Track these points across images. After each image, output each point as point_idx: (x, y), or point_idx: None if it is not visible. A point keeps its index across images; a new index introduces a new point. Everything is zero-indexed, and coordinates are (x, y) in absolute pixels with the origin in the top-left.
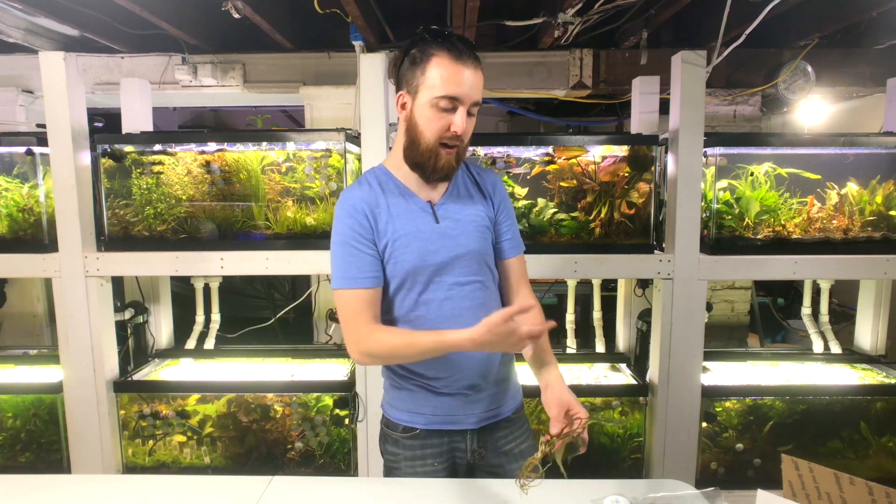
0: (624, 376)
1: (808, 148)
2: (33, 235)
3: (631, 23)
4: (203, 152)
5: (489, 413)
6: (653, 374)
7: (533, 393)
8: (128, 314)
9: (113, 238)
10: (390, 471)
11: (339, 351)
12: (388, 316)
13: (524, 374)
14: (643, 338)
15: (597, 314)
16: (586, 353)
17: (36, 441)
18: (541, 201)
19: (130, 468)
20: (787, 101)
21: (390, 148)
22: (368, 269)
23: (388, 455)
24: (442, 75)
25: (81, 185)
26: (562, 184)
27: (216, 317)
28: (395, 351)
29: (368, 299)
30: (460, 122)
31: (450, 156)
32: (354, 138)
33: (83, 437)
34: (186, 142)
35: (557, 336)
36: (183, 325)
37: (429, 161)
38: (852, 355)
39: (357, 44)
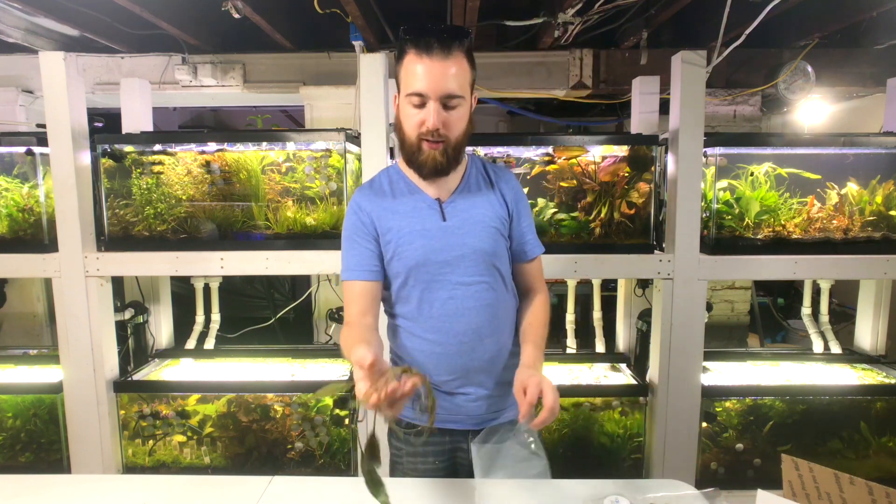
0: (624, 376)
1: (808, 148)
2: (33, 235)
3: (631, 23)
4: (203, 152)
5: (491, 414)
6: (653, 374)
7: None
8: (128, 314)
9: (113, 238)
10: (394, 465)
11: (339, 351)
12: (394, 312)
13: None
14: (643, 338)
15: (597, 314)
16: (586, 353)
17: (36, 441)
18: (541, 201)
19: (130, 468)
20: (787, 101)
21: (391, 148)
22: (365, 262)
23: (392, 448)
24: (408, 71)
25: (81, 185)
26: (562, 184)
27: (216, 317)
28: (344, 348)
29: (361, 291)
30: (429, 117)
31: (433, 150)
32: (354, 138)
33: (83, 437)
34: (186, 142)
35: (557, 336)
36: (183, 325)
37: (413, 156)
38: (852, 355)
39: (357, 44)
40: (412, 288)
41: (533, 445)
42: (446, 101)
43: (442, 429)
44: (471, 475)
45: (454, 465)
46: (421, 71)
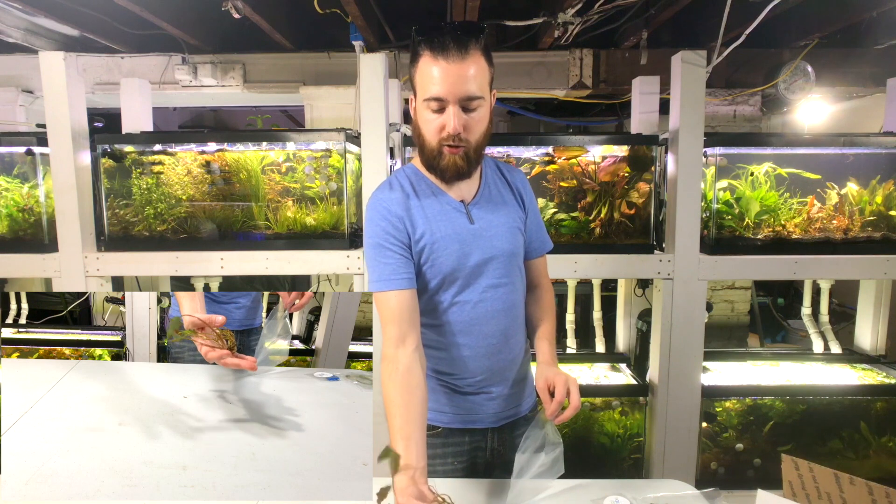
0: (624, 376)
1: (808, 148)
2: (33, 235)
3: (631, 23)
4: (203, 152)
5: (509, 411)
6: (653, 374)
7: None
8: None
9: (113, 238)
10: None
11: None
12: (422, 319)
13: None
14: (643, 338)
15: (597, 314)
16: (586, 353)
17: None
18: (541, 201)
19: None
20: (787, 101)
21: (391, 148)
22: (402, 270)
23: None
24: (424, 75)
25: (81, 185)
26: (562, 184)
27: None
28: (385, 399)
29: (399, 304)
30: (450, 122)
31: (454, 155)
32: (354, 138)
33: None
34: (186, 142)
35: (558, 336)
36: None
37: (434, 161)
38: (852, 355)
39: (357, 44)
40: (444, 292)
41: (554, 437)
42: (466, 104)
43: (462, 429)
44: (487, 474)
45: (473, 465)
46: (438, 74)
